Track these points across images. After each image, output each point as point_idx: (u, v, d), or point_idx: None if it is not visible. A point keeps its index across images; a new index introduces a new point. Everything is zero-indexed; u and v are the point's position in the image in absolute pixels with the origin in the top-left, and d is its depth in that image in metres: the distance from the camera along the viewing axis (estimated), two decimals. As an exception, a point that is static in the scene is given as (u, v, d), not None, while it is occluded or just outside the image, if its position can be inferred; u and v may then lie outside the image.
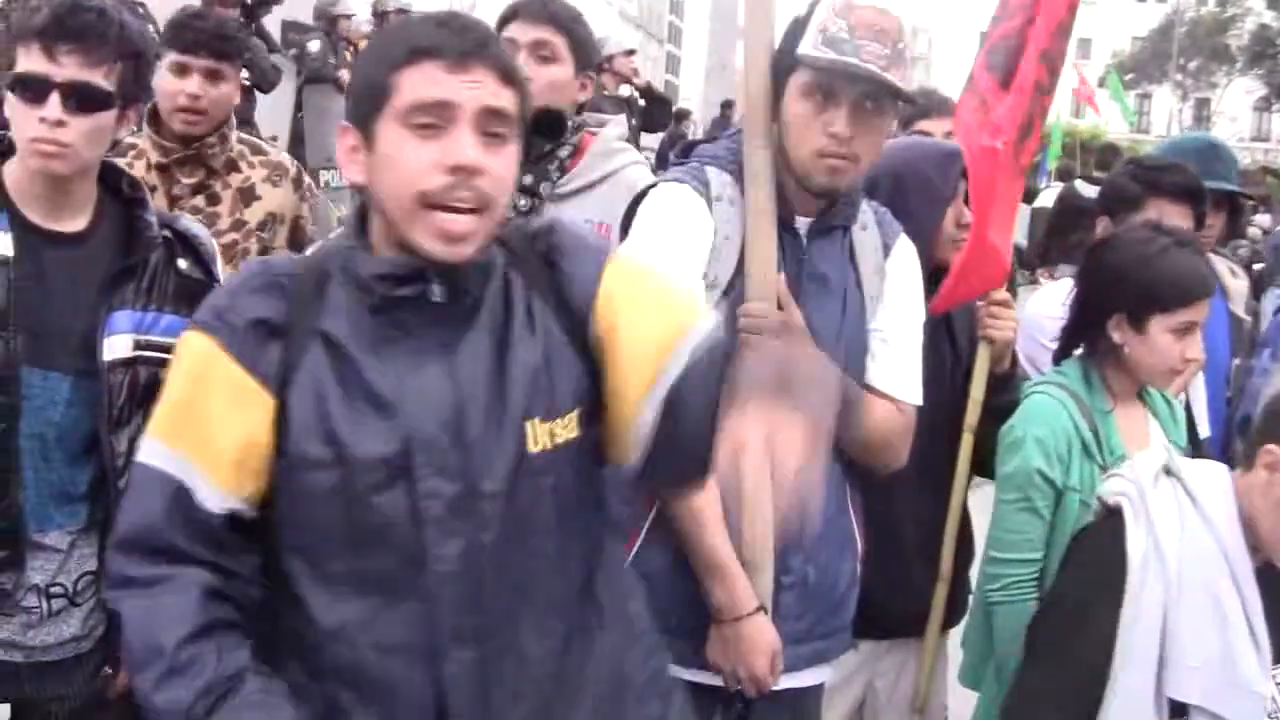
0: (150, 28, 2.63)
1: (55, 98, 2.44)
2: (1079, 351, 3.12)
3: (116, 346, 2.54)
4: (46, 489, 2.51)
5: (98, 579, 2.58)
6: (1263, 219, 15.10)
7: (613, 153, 3.31)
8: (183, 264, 2.66)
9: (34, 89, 2.44)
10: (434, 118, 1.82)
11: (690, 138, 18.75)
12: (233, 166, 3.59)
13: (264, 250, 3.60)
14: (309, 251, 2.65)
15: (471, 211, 1.84)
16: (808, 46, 2.59)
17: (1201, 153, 4.06)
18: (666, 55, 78.44)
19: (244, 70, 3.90)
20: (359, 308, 1.89)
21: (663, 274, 2.10)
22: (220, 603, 1.85)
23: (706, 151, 2.82)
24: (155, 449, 1.89)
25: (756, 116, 2.68)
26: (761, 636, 2.60)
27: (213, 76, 3.49)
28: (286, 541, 1.89)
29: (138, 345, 2.57)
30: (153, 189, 3.37)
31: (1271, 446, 2.54)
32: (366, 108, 1.86)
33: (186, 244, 2.69)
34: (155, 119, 3.48)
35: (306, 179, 3.83)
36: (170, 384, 1.92)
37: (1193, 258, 2.98)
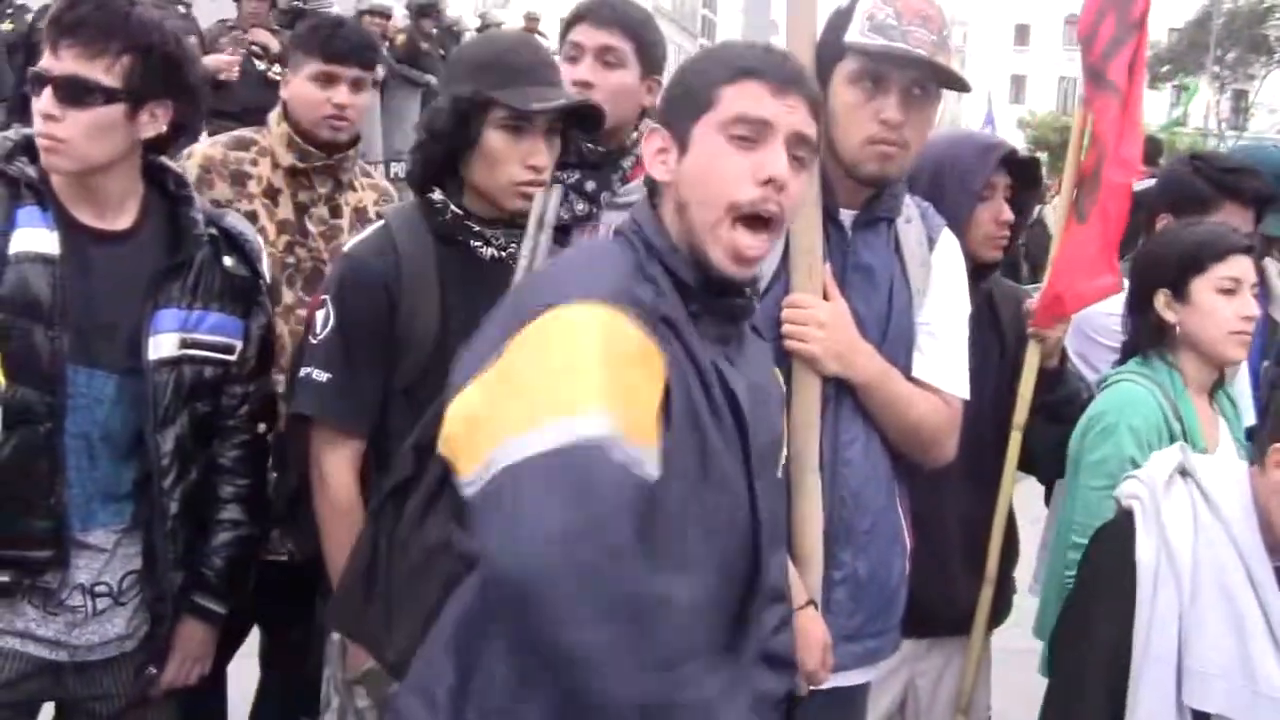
0: (181, 19, 2.58)
1: (48, 91, 2.43)
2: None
3: (162, 345, 2.54)
4: (91, 488, 2.51)
5: (142, 578, 2.59)
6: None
7: None
8: (228, 261, 2.66)
9: (37, 84, 2.45)
10: (752, 132, 1.98)
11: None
12: (351, 185, 3.52)
13: None
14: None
15: (769, 226, 1.98)
16: (855, 34, 2.57)
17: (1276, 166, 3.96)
18: (700, 49, 78.25)
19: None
20: (681, 307, 1.99)
21: None
22: None
23: (750, 145, 2.79)
24: (599, 420, 1.72)
25: (800, 109, 2.65)
26: (813, 630, 2.56)
27: (357, 86, 3.41)
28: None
29: (183, 344, 2.57)
30: (278, 191, 3.35)
31: (1279, 446, 2.50)
32: (683, 114, 2.03)
33: (232, 242, 2.69)
34: (289, 119, 3.41)
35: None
36: (578, 356, 1.78)
37: (1216, 225, 3.01)
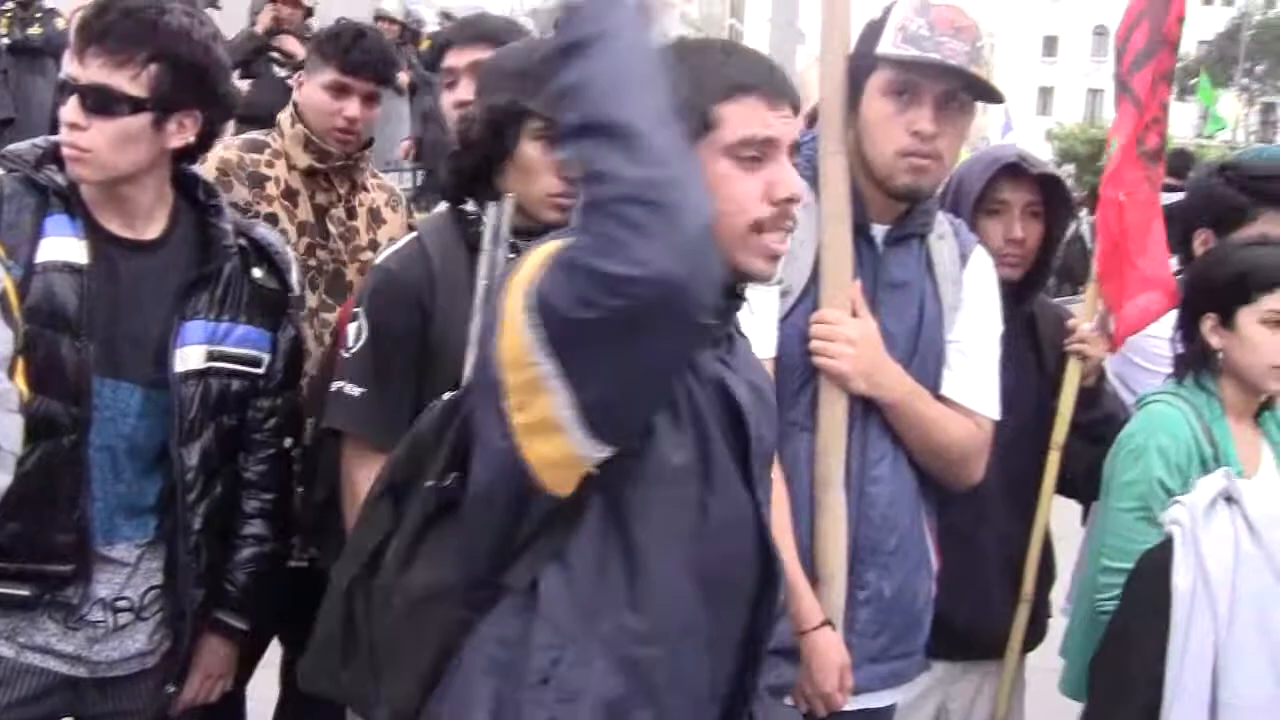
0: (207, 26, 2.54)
1: (74, 100, 2.41)
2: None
3: (189, 357, 2.52)
4: (115, 501, 2.48)
5: (164, 593, 2.56)
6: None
7: None
8: (257, 273, 2.63)
9: (65, 93, 2.44)
10: (759, 151, 1.94)
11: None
12: (364, 186, 3.51)
13: None
14: None
15: (788, 234, 1.97)
16: (888, 45, 2.56)
17: None
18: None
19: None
20: None
21: None
22: None
23: (781, 159, 2.77)
24: None
25: (832, 122, 2.64)
26: (829, 652, 2.54)
27: (370, 100, 3.39)
28: (643, 529, 1.85)
29: (210, 356, 2.54)
30: (296, 193, 3.34)
31: None
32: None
33: (261, 252, 2.66)
34: (302, 121, 3.38)
35: (405, 204, 3.72)
36: None
37: (1273, 249, 2.91)
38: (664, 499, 1.83)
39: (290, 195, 3.33)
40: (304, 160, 3.34)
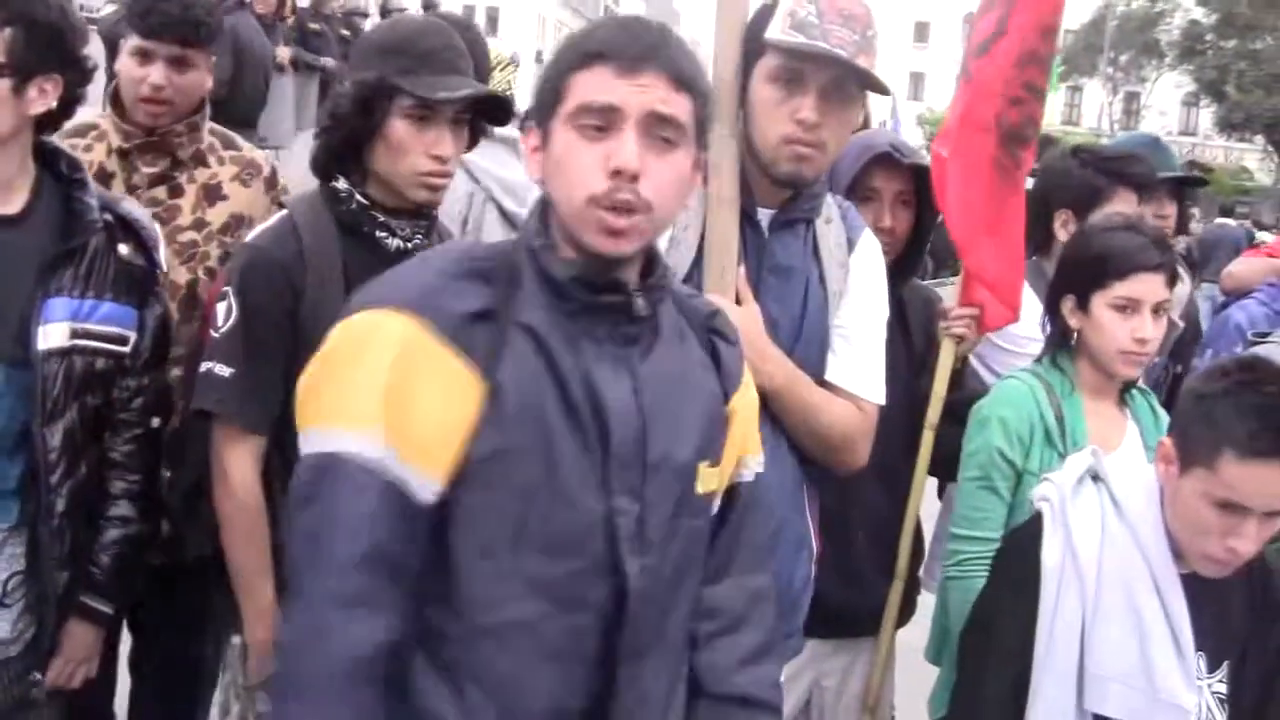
0: None
1: None
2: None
3: (52, 335, 2.43)
4: None
5: (27, 579, 2.48)
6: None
7: None
8: (124, 249, 2.55)
9: None
10: (600, 120, 1.85)
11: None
12: (200, 160, 3.26)
13: (226, 256, 3.13)
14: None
15: (630, 211, 1.85)
16: (776, 30, 2.53)
17: (1145, 150, 4.06)
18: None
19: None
20: (554, 308, 1.88)
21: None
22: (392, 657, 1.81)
23: (667, 140, 2.75)
24: (361, 440, 1.79)
25: (724, 105, 2.61)
26: None
27: (179, 64, 3.15)
28: (461, 535, 1.83)
29: (74, 334, 2.46)
30: (111, 175, 3.16)
31: (1164, 439, 2.50)
32: (544, 108, 1.92)
33: (128, 228, 2.58)
34: (117, 101, 3.20)
35: (281, 180, 3.45)
36: (362, 369, 1.81)
37: (1133, 235, 2.97)
38: (481, 505, 1.82)
39: (103, 178, 3.11)
40: (116, 140, 3.17)
